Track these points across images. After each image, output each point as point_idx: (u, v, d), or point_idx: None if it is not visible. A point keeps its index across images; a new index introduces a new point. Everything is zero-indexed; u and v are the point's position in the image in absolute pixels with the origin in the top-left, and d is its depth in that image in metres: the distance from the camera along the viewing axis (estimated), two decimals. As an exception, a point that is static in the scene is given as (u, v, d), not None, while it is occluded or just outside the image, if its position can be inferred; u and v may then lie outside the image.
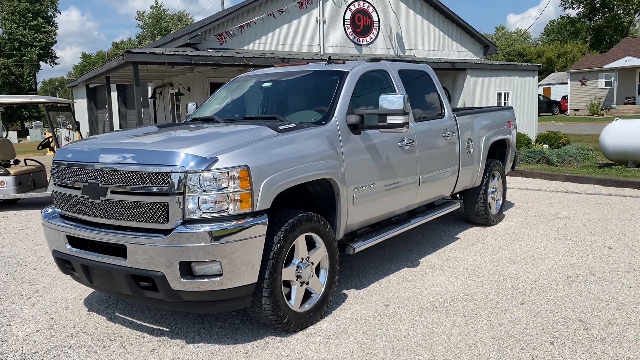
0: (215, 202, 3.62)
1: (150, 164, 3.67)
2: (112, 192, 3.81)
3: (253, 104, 5.61)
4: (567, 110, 42.10)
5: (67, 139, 22.39)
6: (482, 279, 5.18)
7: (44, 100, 9.92)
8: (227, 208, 3.65)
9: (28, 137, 46.21)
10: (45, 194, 9.80)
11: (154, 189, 3.63)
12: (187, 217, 3.61)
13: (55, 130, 10.42)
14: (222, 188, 3.62)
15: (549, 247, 6.17)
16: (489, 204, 7.31)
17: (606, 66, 38.42)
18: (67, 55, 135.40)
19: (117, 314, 4.63)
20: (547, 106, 42.70)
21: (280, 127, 4.27)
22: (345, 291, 4.94)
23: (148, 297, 3.86)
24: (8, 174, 9.68)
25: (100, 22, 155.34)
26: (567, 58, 68.72)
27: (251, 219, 3.70)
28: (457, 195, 7.28)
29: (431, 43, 17.37)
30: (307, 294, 4.25)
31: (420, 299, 4.71)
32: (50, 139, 10.51)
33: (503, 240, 6.57)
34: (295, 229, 3.99)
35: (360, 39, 15.96)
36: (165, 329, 4.28)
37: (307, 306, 4.20)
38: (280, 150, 4.02)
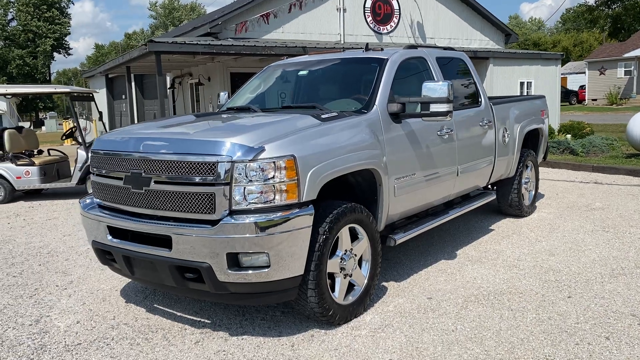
0: (262, 192, 3.54)
1: (196, 153, 3.58)
2: (155, 182, 3.73)
3: (288, 92, 5.51)
4: (584, 100, 41.52)
5: (84, 129, 22.43)
6: (524, 272, 5.06)
7: (67, 90, 9.88)
8: (274, 199, 3.56)
9: (43, 127, 46.44)
10: (69, 185, 9.79)
11: (200, 179, 3.55)
12: (233, 207, 3.53)
13: (74, 120, 10.38)
14: (269, 178, 3.54)
15: (587, 239, 6.03)
16: (522, 194, 7.16)
17: (626, 55, 37.80)
18: (81, 47, 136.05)
19: (155, 305, 4.57)
20: (565, 96, 42.09)
21: (323, 116, 4.17)
22: (384, 283, 4.85)
23: (192, 288, 3.80)
24: (33, 164, 9.68)
25: (113, 13, 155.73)
26: (584, 47, 67.78)
27: (297, 210, 3.61)
28: (489, 187, 7.15)
29: (452, 32, 17.12)
30: (350, 287, 4.17)
31: (463, 292, 4.61)
32: (74, 129, 10.48)
33: (539, 232, 6.44)
34: (339, 220, 3.90)
35: (381, 27, 15.77)
36: (206, 320, 4.22)
37: (350, 298, 4.12)
38: (324, 139, 3.93)
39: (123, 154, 3.96)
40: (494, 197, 6.51)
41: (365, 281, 4.24)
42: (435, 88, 4.46)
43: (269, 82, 5.72)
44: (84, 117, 25.07)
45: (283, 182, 3.57)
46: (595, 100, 39.70)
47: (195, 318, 4.28)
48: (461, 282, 4.86)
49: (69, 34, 71.99)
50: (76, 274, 5.49)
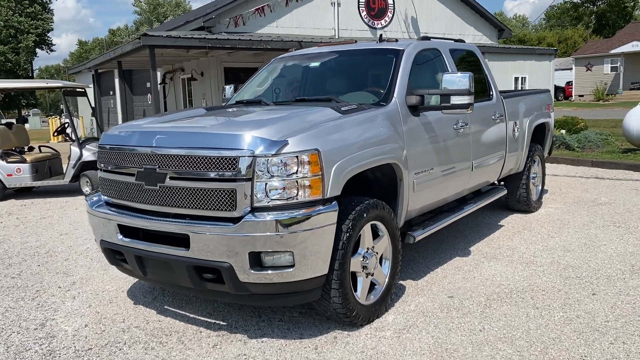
0: (284, 188, 3.37)
1: (216, 147, 3.40)
2: (171, 178, 3.54)
3: (298, 85, 5.32)
4: (571, 96, 41.81)
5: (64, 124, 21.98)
6: (542, 268, 4.95)
7: (60, 85, 9.59)
8: (297, 195, 3.40)
9: (27, 125, 45.64)
10: (62, 182, 9.52)
11: (220, 175, 3.37)
12: (255, 204, 3.36)
13: (65, 116, 10.11)
14: (292, 173, 3.37)
15: (600, 235, 5.94)
16: (530, 190, 7.06)
17: (612, 51, 38.12)
18: (63, 43, 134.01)
19: (166, 306, 4.38)
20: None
21: (343, 109, 4.01)
22: (402, 282, 4.71)
23: (210, 289, 3.62)
24: (24, 161, 9.39)
25: (96, 9, 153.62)
26: (568, 44, 68.26)
27: (321, 207, 3.45)
28: (496, 182, 7.03)
29: (446, 27, 17.03)
30: (372, 286, 4.02)
31: (484, 290, 4.48)
32: (66, 125, 10.20)
33: (549, 228, 6.34)
34: (362, 217, 3.74)
35: (375, 22, 15.63)
36: (221, 322, 4.04)
37: (372, 298, 3.97)
38: (347, 132, 3.76)
39: (135, 148, 3.76)
40: (505, 192, 6.40)
41: (387, 280, 4.10)
42: (456, 80, 4.32)
43: (278, 75, 5.54)
44: (72, 113, 24.64)
45: (307, 177, 3.40)
46: (582, 96, 40.00)
47: (209, 320, 4.09)
48: (480, 279, 4.73)
49: (52, 30, 70.81)
50: (78, 275, 5.27)
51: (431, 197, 4.79)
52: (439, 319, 3.95)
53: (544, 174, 7.51)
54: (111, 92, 22.44)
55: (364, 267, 3.87)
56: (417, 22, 16.37)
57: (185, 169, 3.48)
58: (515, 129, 6.38)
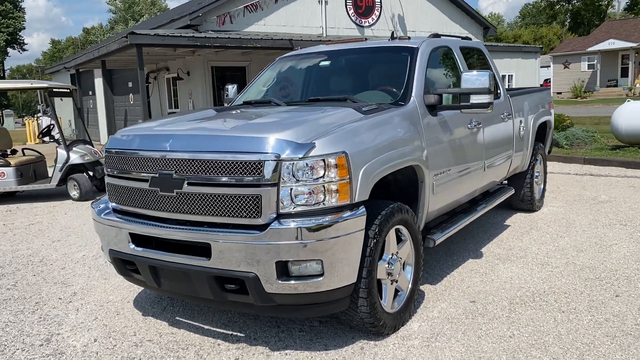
0: (311, 193, 3.20)
1: (238, 151, 3.21)
2: (189, 183, 3.34)
3: (308, 84, 5.14)
4: (549, 93, 42.27)
5: (52, 127, 21.44)
6: (559, 270, 4.86)
7: (45, 85, 9.24)
8: (324, 200, 3.23)
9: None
10: (48, 186, 9.19)
11: (243, 180, 3.19)
12: (280, 210, 3.18)
13: (52, 117, 9.76)
14: (319, 177, 3.20)
15: (608, 234, 5.89)
16: (534, 189, 7.00)
17: (589, 49, 38.65)
18: (35, 42, 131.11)
19: (177, 318, 4.18)
20: (530, 89, 42.80)
21: (364, 109, 3.85)
22: (420, 287, 4.56)
23: (231, 300, 3.43)
24: (8, 164, 9.04)
25: (67, 8, 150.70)
26: (543, 42, 69.18)
27: (351, 212, 3.29)
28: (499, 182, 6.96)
29: (432, 25, 16.99)
30: (395, 293, 3.87)
31: (505, 294, 4.37)
32: (52, 127, 9.85)
33: (556, 227, 6.27)
34: (388, 221, 3.59)
35: (363, 20, 15.50)
36: (239, 334, 3.85)
37: (396, 305, 3.83)
38: (371, 134, 3.61)
39: (149, 153, 3.55)
40: (513, 192, 6.31)
41: (410, 286, 3.96)
42: (475, 78, 4.19)
43: (284, 75, 5.35)
44: (48, 114, 24.03)
45: (334, 181, 3.23)
46: (560, 93, 40.49)
47: (225, 331, 3.90)
48: (499, 282, 4.62)
49: (24, 28, 69.34)
50: (78, 285, 5.02)
51: (448, 199, 4.67)
52: (465, 326, 3.83)
53: (545, 173, 7.46)
54: (90, 93, 21.93)
55: (389, 274, 3.72)
56: (404, 20, 16.29)
57: (205, 174, 3.29)
58: (521, 128, 6.30)
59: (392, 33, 5.08)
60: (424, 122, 4.20)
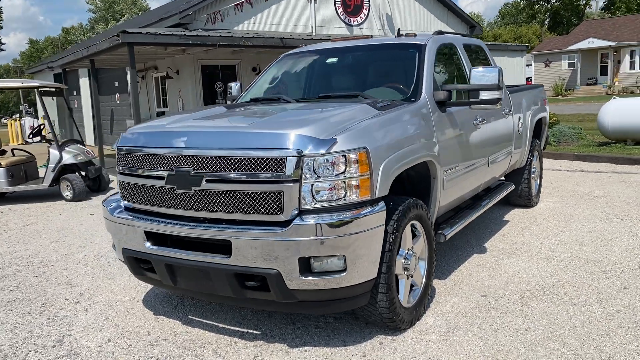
0: (332, 189, 3.20)
1: (259, 147, 3.20)
2: (207, 180, 3.32)
3: (315, 81, 5.12)
4: (531, 91, 42.77)
5: (32, 127, 21.11)
6: (565, 263, 4.92)
7: (36, 84, 9.10)
8: (345, 196, 3.23)
9: (-21, 127, 43.66)
10: (40, 187, 9.05)
11: (264, 176, 3.17)
12: (302, 207, 3.18)
13: (49, 118, 9.61)
14: (340, 173, 3.20)
15: (607, 228, 5.98)
16: (531, 184, 7.09)
17: (569, 48, 39.19)
18: (11, 42, 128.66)
19: (190, 316, 4.14)
20: (512, 88, 43.26)
21: (378, 105, 3.86)
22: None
23: (251, 298, 3.41)
24: (-1, 165, 8.88)
25: (45, 7, 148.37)
26: (523, 41, 70.01)
27: (372, 208, 3.30)
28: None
29: (419, 23, 17.09)
30: (410, 287, 3.89)
31: (515, 288, 4.41)
32: (42, 127, 9.70)
33: (555, 222, 6.35)
34: (405, 217, 3.60)
35: (351, 19, 15.53)
36: (254, 331, 3.83)
37: (411, 300, 3.84)
38: (388, 130, 3.62)
39: (164, 150, 3.51)
40: (513, 187, 6.38)
41: (424, 280, 3.98)
42: (485, 74, 4.23)
43: (289, 72, 5.34)
44: (32, 114, 23.65)
45: (354, 177, 3.24)
46: (541, 91, 40.94)
47: (241, 329, 3.88)
48: (507, 277, 4.67)
49: (1, 28, 68.21)
50: (83, 285, 4.96)
51: (456, 194, 4.70)
52: (480, 320, 3.86)
53: (541, 169, 7.56)
54: (75, 92, 21.65)
55: (405, 269, 3.73)
56: (392, 19, 16.36)
57: (224, 171, 3.27)
58: (520, 124, 6.37)
59: (399, 30, 5.10)
60: (434, 118, 4.22)
